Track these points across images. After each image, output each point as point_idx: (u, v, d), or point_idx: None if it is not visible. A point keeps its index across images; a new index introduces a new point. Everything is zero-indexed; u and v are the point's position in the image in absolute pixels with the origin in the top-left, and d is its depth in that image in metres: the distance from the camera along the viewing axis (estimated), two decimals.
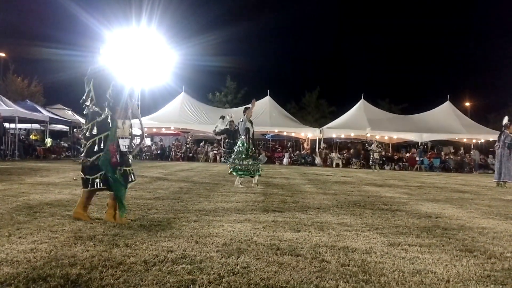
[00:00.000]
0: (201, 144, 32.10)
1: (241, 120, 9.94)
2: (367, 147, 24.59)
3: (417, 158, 28.91)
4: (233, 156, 9.84)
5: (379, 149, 23.88)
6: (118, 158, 4.52)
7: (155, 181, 9.80)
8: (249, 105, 10.19)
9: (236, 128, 13.90)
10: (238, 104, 40.11)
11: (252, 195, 7.70)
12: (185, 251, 3.40)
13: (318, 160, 29.07)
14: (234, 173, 9.64)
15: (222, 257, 3.27)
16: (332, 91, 55.93)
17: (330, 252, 3.55)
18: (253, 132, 9.91)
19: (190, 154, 30.06)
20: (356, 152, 29.48)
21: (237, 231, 4.28)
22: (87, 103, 4.64)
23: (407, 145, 35.12)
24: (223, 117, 15.88)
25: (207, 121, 29.98)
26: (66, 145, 28.21)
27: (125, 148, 4.61)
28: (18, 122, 22.84)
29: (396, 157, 30.69)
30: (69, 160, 22.31)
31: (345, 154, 31.20)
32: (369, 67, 70.61)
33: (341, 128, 30.31)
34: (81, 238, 3.70)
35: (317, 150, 30.63)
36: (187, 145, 30.89)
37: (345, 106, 34.90)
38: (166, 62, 38.16)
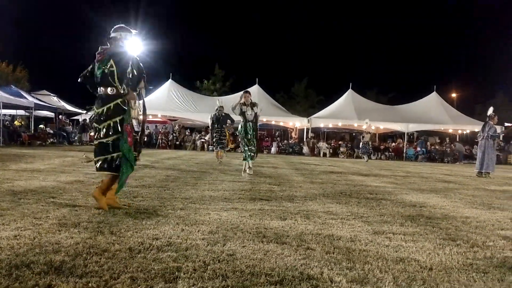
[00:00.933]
0: (187, 132, 31.98)
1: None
2: (359, 137, 24.70)
3: (418, 149, 29.07)
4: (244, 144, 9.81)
5: (369, 135, 24.07)
6: (133, 138, 4.68)
7: (142, 169, 9.74)
8: (245, 94, 9.80)
9: (224, 114, 13.82)
10: (227, 92, 39.92)
11: (239, 184, 7.71)
12: (171, 238, 3.39)
13: (306, 149, 29.19)
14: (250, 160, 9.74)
15: (208, 244, 3.27)
16: (320, 81, 56.08)
17: (315, 240, 3.58)
18: (253, 115, 9.74)
19: (177, 142, 29.95)
20: (358, 142, 29.62)
21: (223, 219, 4.28)
22: (100, 83, 4.65)
23: (393, 135, 35.38)
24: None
25: (194, 109, 29.87)
26: (51, 131, 27.86)
27: (138, 129, 4.80)
28: (3, 108, 22.49)
29: (382, 147, 30.94)
30: (54, 147, 22.08)
31: (332, 144, 31.38)
32: (357, 57, 70.91)
33: (329, 117, 30.44)
34: (66, 225, 3.67)
35: (305, 139, 30.74)
36: (174, 134, 30.76)
37: (333, 96, 35.03)
38: (153, 50, 37.88)
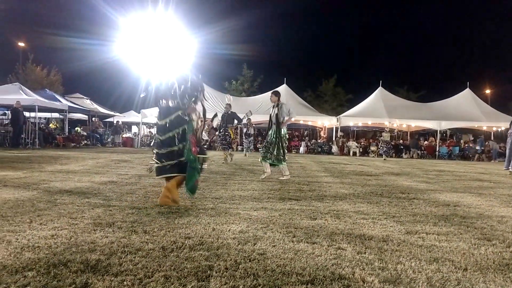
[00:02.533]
0: (217, 132, 32.18)
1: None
2: (379, 136, 24.44)
3: (477, 148, 28.27)
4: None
5: (389, 135, 23.77)
6: (197, 148, 5.03)
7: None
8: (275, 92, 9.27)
9: (229, 112, 13.57)
10: (255, 93, 40.02)
11: (269, 184, 7.73)
12: (202, 237, 3.44)
13: (335, 148, 28.95)
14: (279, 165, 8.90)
15: (239, 243, 3.30)
16: (349, 79, 55.34)
17: (346, 240, 3.56)
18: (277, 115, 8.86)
19: (207, 143, 30.19)
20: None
21: (253, 219, 4.30)
22: (163, 98, 5.10)
23: (425, 133, 34.68)
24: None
25: (223, 110, 30.04)
26: (85, 133, 28.56)
27: (205, 138, 5.01)
28: (38, 111, 23.20)
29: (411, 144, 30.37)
30: (88, 148, 22.63)
31: (362, 143, 31.00)
32: (387, 54, 69.73)
33: (358, 116, 30.03)
34: (100, 224, 3.77)
35: (334, 138, 30.48)
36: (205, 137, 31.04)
37: (362, 94, 34.58)
38: (183, 51, 38.24)
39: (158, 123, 5.11)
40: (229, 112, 13.56)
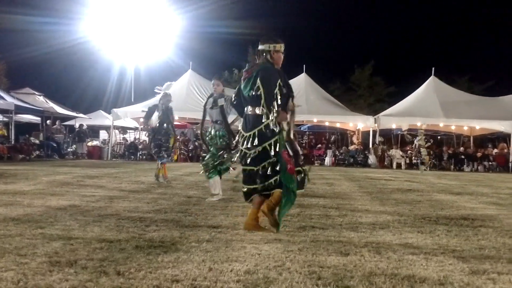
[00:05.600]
0: None
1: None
2: (411, 139, 24.42)
3: None
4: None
5: (428, 143, 23.74)
6: (292, 164, 5.35)
7: (155, 189, 9.92)
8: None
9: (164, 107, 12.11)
10: None
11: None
12: (195, 280, 3.43)
13: (372, 159, 28.89)
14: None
15: None
16: (391, 66, 55.22)
17: (390, 283, 3.53)
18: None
19: (201, 153, 30.25)
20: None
21: (263, 255, 4.29)
22: (247, 102, 5.56)
23: (495, 138, 34.50)
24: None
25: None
26: (37, 141, 28.62)
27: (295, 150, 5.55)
28: None
29: (479, 154, 30.23)
30: (41, 161, 22.73)
31: (409, 151, 30.85)
32: (442, 33, 69.48)
33: (403, 115, 29.92)
34: (59, 263, 3.76)
35: (371, 145, 30.42)
36: (197, 141, 31.06)
37: (409, 86, 34.54)
38: (168, 31, 38.59)
39: (243, 135, 5.56)
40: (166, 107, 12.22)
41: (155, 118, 12.34)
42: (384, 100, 45.89)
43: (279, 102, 5.35)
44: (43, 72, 48.05)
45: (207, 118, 8.97)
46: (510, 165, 28.34)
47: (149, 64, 40.34)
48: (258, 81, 5.38)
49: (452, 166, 28.75)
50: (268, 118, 5.35)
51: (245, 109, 5.63)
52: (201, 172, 8.88)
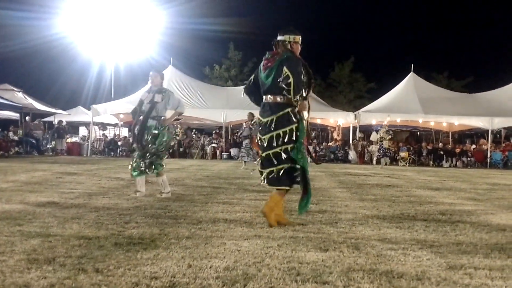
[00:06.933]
0: (194, 135, 32.18)
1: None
2: (378, 134, 24.56)
3: None
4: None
5: (389, 136, 23.94)
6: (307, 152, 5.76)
7: (134, 186, 9.86)
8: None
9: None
10: (244, 81, 39.90)
11: (263, 203, 7.71)
12: (174, 277, 3.43)
13: (352, 155, 29.04)
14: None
15: (224, 285, 3.29)
16: (370, 63, 55.47)
17: (368, 278, 3.56)
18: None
19: (181, 149, 30.18)
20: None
21: (243, 251, 4.30)
22: (268, 91, 5.70)
23: (473, 134, 34.86)
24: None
25: (203, 104, 29.99)
26: (16, 138, 28.38)
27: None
28: None
29: (458, 150, 30.54)
30: (20, 158, 22.52)
31: (388, 147, 31.04)
32: (421, 29, 69.95)
33: (383, 111, 30.03)
34: (37, 261, 3.74)
35: (351, 141, 30.57)
36: (177, 137, 30.97)
37: (388, 82, 34.76)
38: (148, 27, 38.40)
39: (262, 121, 5.78)
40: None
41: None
42: (364, 96, 46.13)
43: (302, 91, 5.57)
44: (21, 67, 47.45)
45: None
46: (488, 160, 28.66)
47: (129, 60, 40.11)
48: (286, 69, 5.49)
49: (431, 162, 29.02)
50: (291, 105, 5.54)
51: (264, 97, 5.77)
52: (129, 168, 8.55)
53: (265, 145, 5.67)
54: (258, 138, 5.89)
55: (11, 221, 5.47)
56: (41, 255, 3.92)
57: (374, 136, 24.41)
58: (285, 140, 5.51)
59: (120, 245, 4.41)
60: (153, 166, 8.39)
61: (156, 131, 8.28)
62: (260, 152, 6.00)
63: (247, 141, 18.98)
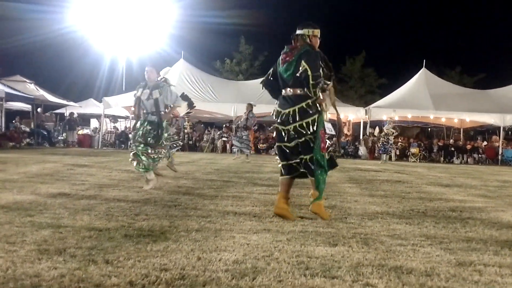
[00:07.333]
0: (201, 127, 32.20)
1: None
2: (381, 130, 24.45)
3: None
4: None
5: (395, 132, 23.84)
6: (326, 144, 5.83)
7: (145, 178, 9.86)
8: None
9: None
10: (255, 75, 39.92)
11: (273, 197, 7.72)
12: (184, 270, 3.44)
13: (362, 150, 28.95)
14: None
15: (233, 278, 3.30)
16: (382, 58, 55.11)
17: (377, 274, 3.55)
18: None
19: (191, 142, 30.22)
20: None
21: (252, 245, 4.30)
22: (287, 84, 5.81)
23: (485, 131, 34.64)
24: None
25: (213, 98, 29.96)
26: (27, 129, 28.49)
27: (331, 131, 5.58)
28: None
29: (469, 146, 30.37)
30: (31, 149, 22.62)
31: (400, 143, 30.91)
32: (433, 25, 69.45)
33: (394, 107, 29.91)
34: (47, 251, 3.77)
35: (361, 137, 30.46)
36: (187, 131, 31.00)
37: (400, 77, 34.55)
38: (160, 20, 38.44)
39: (281, 112, 5.81)
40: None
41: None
42: (375, 91, 45.87)
43: (321, 83, 5.64)
44: (34, 60, 47.59)
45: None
46: (499, 157, 28.48)
47: (140, 53, 40.17)
48: (304, 63, 5.56)
49: (442, 158, 28.88)
50: (310, 98, 5.63)
51: (283, 90, 5.85)
52: (134, 164, 8.63)
53: (285, 138, 5.79)
54: (276, 128, 5.94)
55: (22, 211, 5.50)
56: (51, 246, 3.94)
57: (377, 131, 24.23)
58: (304, 132, 5.62)
59: (130, 237, 4.43)
60: (156, 159, 8.65)
61: (155, 126, 8.44)
62: (276, 143, 6.12)
63: (246, 132, 18.91)
